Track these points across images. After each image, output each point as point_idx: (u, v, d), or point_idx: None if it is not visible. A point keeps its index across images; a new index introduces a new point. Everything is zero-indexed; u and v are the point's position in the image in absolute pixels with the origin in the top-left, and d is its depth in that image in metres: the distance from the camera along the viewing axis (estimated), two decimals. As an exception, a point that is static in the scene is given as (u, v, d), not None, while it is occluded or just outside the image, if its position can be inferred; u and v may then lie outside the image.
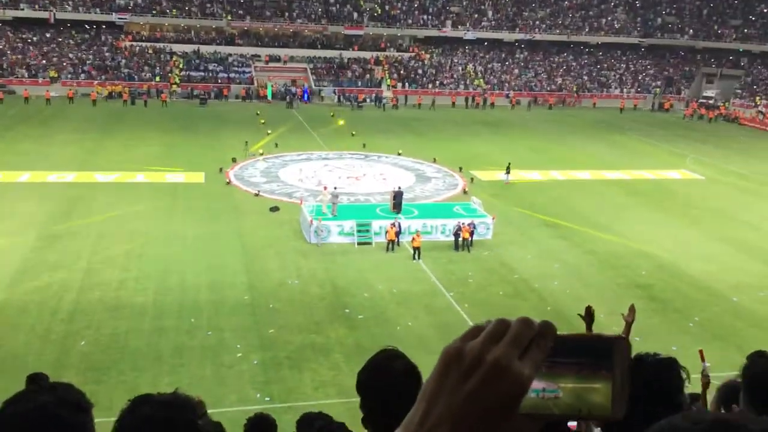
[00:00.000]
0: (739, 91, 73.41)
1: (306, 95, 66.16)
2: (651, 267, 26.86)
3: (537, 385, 0.89)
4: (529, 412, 0.89)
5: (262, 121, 49.86)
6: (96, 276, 23.63)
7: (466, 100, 68.81)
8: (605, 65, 78.68)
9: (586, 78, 76.32)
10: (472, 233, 28.20)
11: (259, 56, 70.97)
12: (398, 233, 28.12)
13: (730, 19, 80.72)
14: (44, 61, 65.06)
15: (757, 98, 69.79)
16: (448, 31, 76.41)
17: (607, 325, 20.71)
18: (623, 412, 0.87)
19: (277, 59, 71.14)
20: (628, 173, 42.78)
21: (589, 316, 7.08)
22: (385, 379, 2.50)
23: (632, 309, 7.06)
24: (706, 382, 6.45)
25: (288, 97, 64.25)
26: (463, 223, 28.39)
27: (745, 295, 24.26)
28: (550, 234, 30.48)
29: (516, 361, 0.88)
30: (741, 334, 20.69)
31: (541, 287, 24.54)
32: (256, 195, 34.19)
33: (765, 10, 79.14)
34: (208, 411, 6.13)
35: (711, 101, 71.35)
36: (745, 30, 78.31)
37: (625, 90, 75.30)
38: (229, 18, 72.45)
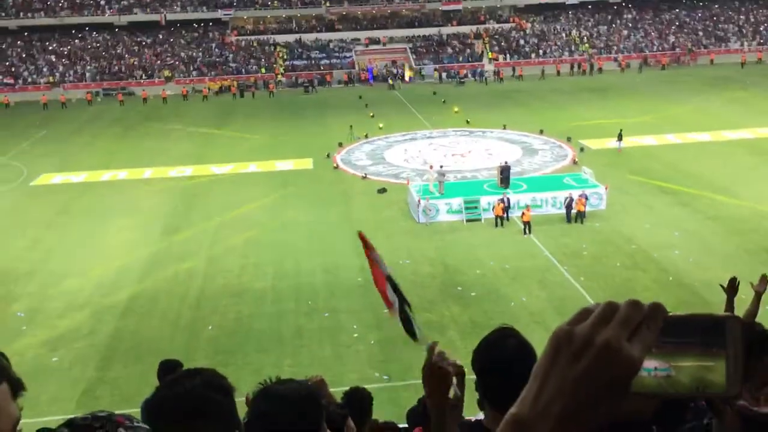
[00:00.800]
0: None
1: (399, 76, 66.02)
2: (782, 230, 25.16)
3: (649, 364, 0.91)
4: (641, 391, 0.91)
5: (371, 114, 48.86)
6: (218, 264, 24.83)
7: (571, 66, 66.62)
8: (722, 18, 73.80)
9: (701, 34, 71.91)
10: (585, 204, 27.46)
11: (359, 40, 71.61)
12: (507, 208, 27.77)
13: None
14: (158, 62, 68.51)
15: None
16: (549, -2, 74.03)
17: (739, 294, 19.61)
18: (738, 389, 0.88)
19: (377, 41, 71.50)
20: (752, 132, 40.11)
21: (732, 288, 6.66)
22: (499, 358, 2.51)
23: (764, 279, 6.63)
24: None
25: (390, 78, 64.50)
26: (576, 195, 27.68)
27: None
28: (668, 201, 29.13)
29: (626, 342, 0.90)
30: None
31: (660, 257, 23.56)
32: (364, 178, 34.68)
33: None
34: (331, 390, 6.32)
35: None
36: None
37: (746, 43, 70.36)
38: (328, 5, 73.44)
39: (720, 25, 72.96)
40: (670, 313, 0.93)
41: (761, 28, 72.26)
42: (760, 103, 47.86)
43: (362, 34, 72.10)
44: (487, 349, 2.58)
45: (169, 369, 6.39)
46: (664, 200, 29.27)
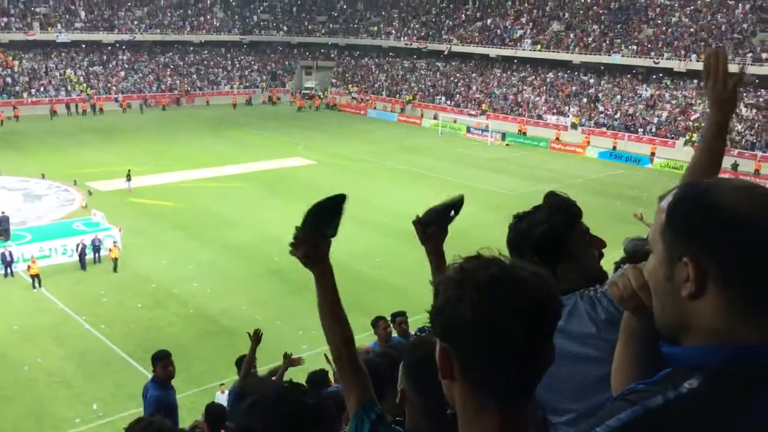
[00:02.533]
0: (334, 80, 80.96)
1: None
2: (281, 252, 28.00)
3: None
4: None
5: None
6: None
7: (68, 106, 63.92)
8: (212, 63, 79.82)
9: (195, 77, 76.53)
10: (99, 248, 26.63)
11: None
12: (10, 263, 25.21)
13: (317, 16, 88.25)
14: None
15: (350, 86, 77.80)
16: (36, 34, 69.59)
17: (250, 314, 21.33)
18: None
19: None
20: (249, 166, 44.24)
21: (256, 338, 7.67)
22: None
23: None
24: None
25: None
26: (89, 240, 26.66)
27: (363, 263, 26.99)
28: (182, 236, 30.09)
29: None
30: (363, 298, 22.94)
31: (180, 291, 24.16)
32: None
33: (345, 7, 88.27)
34: None
35: (312, 92, 77.46)
36: (330, 25, 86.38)
37: (234, 86, 77.41)
38: None
39: (211, 69, 78.79)
40: None
41: (246, 73, 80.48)
42: (253, 140, 53.16)
43: None
44: None
45: None
46: (177, 236, 30.10)
